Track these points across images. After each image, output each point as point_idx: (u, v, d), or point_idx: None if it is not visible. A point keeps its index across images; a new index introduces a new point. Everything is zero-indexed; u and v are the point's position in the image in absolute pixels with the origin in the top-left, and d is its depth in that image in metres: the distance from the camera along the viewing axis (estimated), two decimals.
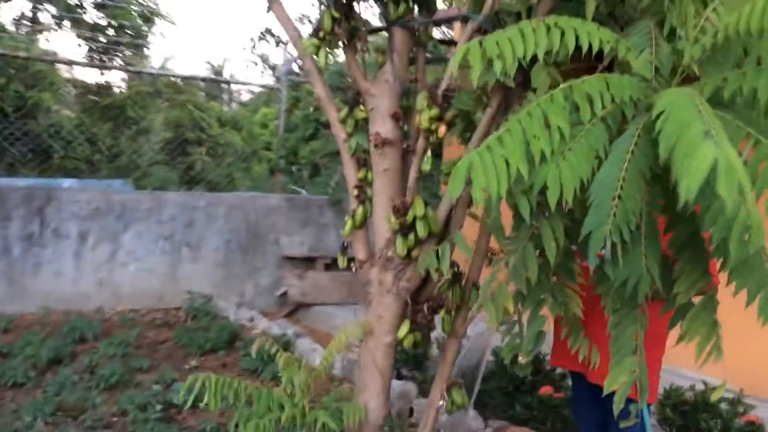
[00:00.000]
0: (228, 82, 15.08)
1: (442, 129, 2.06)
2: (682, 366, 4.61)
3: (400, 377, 5.46)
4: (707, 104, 1.38)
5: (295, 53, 8.30)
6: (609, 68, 2.00)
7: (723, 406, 3.72)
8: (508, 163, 1.50)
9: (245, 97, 21.80)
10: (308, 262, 7.94)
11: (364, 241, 2.34)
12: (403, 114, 2.22)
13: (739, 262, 1.56)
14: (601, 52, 2.09)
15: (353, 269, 2.35)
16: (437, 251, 1.97)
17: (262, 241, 7.72)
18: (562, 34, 1.66)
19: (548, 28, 1.65)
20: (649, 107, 1.68)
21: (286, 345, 6.10)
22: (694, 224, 1.71)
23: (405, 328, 2.23)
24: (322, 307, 7.46)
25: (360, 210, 2.29)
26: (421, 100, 2.08)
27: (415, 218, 2.12)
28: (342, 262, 2.39)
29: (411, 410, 4.93)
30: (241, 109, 18.49)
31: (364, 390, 2.29)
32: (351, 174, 2.32)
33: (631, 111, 1.66)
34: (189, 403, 2.17)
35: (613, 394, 2.87)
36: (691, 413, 3.75)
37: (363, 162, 2.32)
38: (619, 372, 1.60)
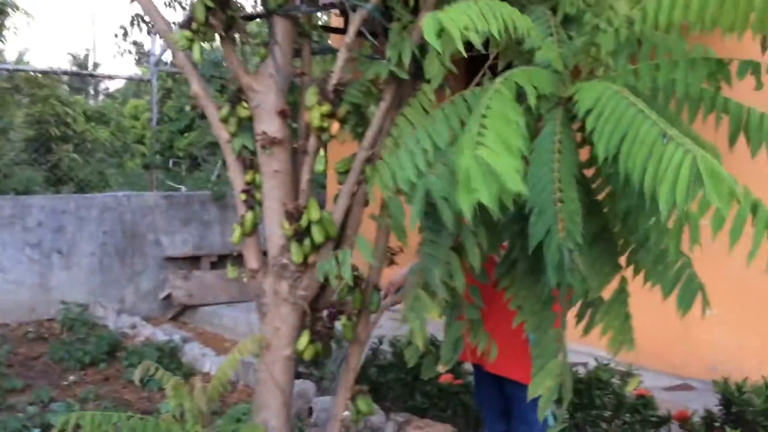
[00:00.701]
0: (91, 75, 14.23)
1: (335, 126, 1.92)
2: (570, 339, 4.72)
3: (297, 375, 5.31)
4: (641, 101, 1.32)
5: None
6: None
7: (615, 380, 3.81)
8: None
9: (114, 88, 20.76)
10: (193, 261, 7.61)
11: (255, 249, 2.17)
12: (291, 111, 2.07)
13: (656, 260, 1.53)
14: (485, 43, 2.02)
15: (245, 279, 2.18)
16: (336, 257, 1.84)
17: (141, 242, 7.33)
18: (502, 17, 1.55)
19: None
20: (560, 101, 1.61)
21: (173, 351, 5.81)
22: (604, 219, 1.67)
23: (305, 339, 2.08)
24: (210, 307, 7.17)
25: (249, 216, 2.12)
26: (310, 96, 1.93)
27: (310, 223, 1.98)
28: (233, 273, 2.21)
29: (310, 410, 4.80)
30: (109, 102, 17.58)
31: (264, 408, 2.14)
32: (237, 177, 2.14)
33: (546, 105, 1.58)
34: None
35: (512, 382, 2.88)
36: (585, 391, 3.81)
37: (249, 164, 2.15)
38: (543, 377, 1.53)
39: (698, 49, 1.65)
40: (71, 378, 5.30)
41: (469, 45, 1.75)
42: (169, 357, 5.69)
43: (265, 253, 2.17)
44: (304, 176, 2.01)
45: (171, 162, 9.74)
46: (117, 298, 7.16)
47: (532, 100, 1.53)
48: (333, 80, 1.92)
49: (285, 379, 2.14)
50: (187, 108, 9.16)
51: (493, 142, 1.33)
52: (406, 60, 1.91)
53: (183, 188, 7.67)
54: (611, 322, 1.65)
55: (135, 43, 15.32)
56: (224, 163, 8.42)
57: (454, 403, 4.34)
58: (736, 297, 4.64)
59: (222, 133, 2.14)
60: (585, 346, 3.77)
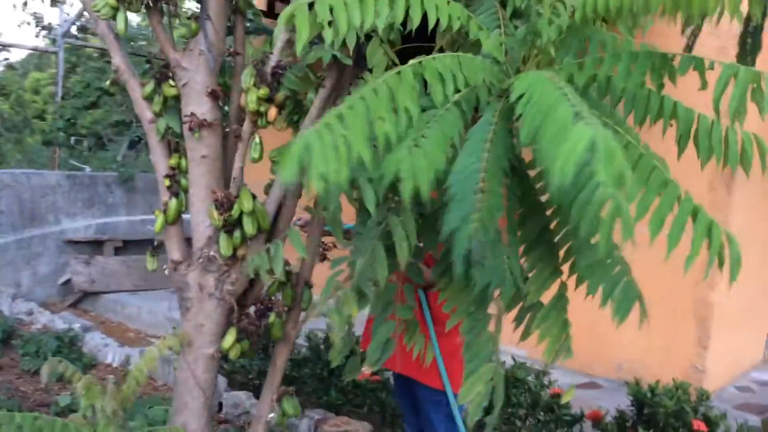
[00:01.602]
0: None
1: (273, 111, 1.79)
2: None
3: None
4: (570, 87, 1.26)
5: (73, 13, 7.44)
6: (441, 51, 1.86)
7: (530, 379, 3.84)
8: (349, 147, 1.28)
9: (14, 59, 19.63)
10: (95, 246, 7.25)
11: (178, 239, 2.01)
12: (222, 92, 1.92)
13: (594, 261, 1.48)
14: (434, 32, 1.94)
15: (166, 272, 2.02)
16: (268, 250, 1.72)
17: (40, 223, 6.92)
18: (407, 5, 1.47)
19: None
20: (503, 93, 1.55)
21: (73, 341, 5.50)
22: (545, 219, 1.61)
23: (231, 337, 1.95)
24: (113, 295, 6.85)
25: (173, 203, 1.96)
26: (246, 77, 1.79)
27: (242, 213, 1.85)
28: (152, 264, 2.05)
29: (220, 405, 4.63)
30: (9, 74, 16.59)
31: (184, 410, 1.99)
32: (161, 161, 1.98)
33: (485, 96, 1.51)
34: None
35: (417, 383, 2.86)
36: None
37: (175, 147, 1.99)
38: (474, 381, 1.46)
39: (643, 47, 1.62)
40: None
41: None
42: (69, 347, 5.38)
43: (189, 243, 2.02)
44: (237, 163, 1.88)
45: (73, 140, 9.23)
46: (12, 281, 6.74)
47: (450, 88, 1.46)
48: (271, 62, 1.79)
49: (207, 378, 2.00)
50: (101, 84, 8.71)
51: (350, 128, 1.26)
52: (351, 45, 1.81)
53: (87, 168, 7.27)
54: (549, 330, 1.60)
55: (35, 14, 14.49)
56: (132, 143, 8.06)
57: (371, 400, 4.28)
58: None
59: (145, 112, 1.97)
60: (502, 345, 3.79)
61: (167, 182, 1.96)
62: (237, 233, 1.89)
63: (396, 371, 3.02)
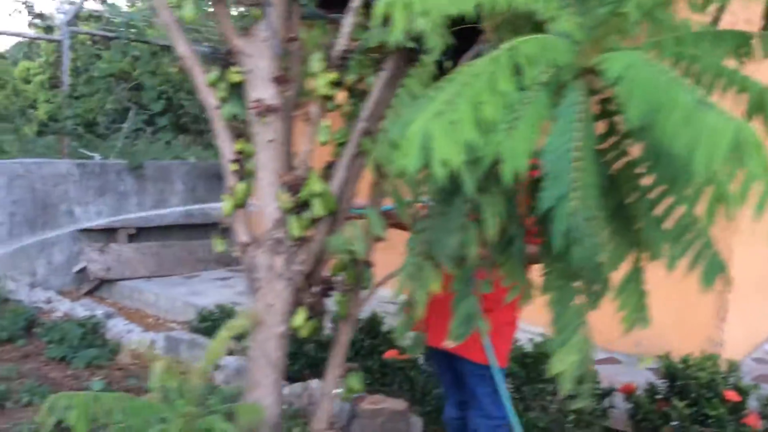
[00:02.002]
0: None
1: (341, 96, 1.83)
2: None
3: (229, 352, 5.18)
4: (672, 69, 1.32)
5: (78, 1, 7.37)
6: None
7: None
8: (462, 131, 1.33)
9: (1, 48, 19.45)
10: (109, 233, 7.27)
11: (245, 222, 2.06)
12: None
13: (678, 236, 1.54)
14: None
15: (234, 253, 2.07)
16: (347, 230, 1.77)
17: (54, 212, 6.93)
18: None
19: None
20: (580, 72, 1.60)
21: (96, 328, 5.55)
22: (620, 195, 1.67)
23: (301, 316, 2.01)
24: (128, 281, 6.89)
25: (241, 187, 2.01)
26: (316, 63, 1.83)
27: (311, 195, 1.90)
28: (220, 247, 2.09)
29: None
30: (2, 64, 16.47)
31: (257, 387, 2.05)
32: (226, 146, 2.02)
33: (568, 76, 1.55)
34: (49, 427, 1.79)
35: (460, 358, 2.92)
36: (533, 365, 3.90)
37: (239, 132, 2.03)
38: (567, 352, 1.52)
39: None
40: None
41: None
42: (92, 333, 5.43)
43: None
44: (305, 147, 1.92)
45: (70, 127, 9.21)
46: (28, 270, 6.76)
47: (539, 70, 1.50)
48: (339, 46, 1.82)
49: (278, 356, 2.06)
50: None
51: (461, 113, 1.31)
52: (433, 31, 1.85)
53: (97, 156, 7.28)
54: (627, 300, 1.67)
55: (26, 2, 14.37)
56: (137, 130, 8.03)
57: (400, 379, 4.35)
58: (654, 274, 4.86)
59: (209, 98, 2.01)
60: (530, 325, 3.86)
61: (234, 167, 2.00)
62: (306, 215, 1.94)
63: (439, 347, 3.08)
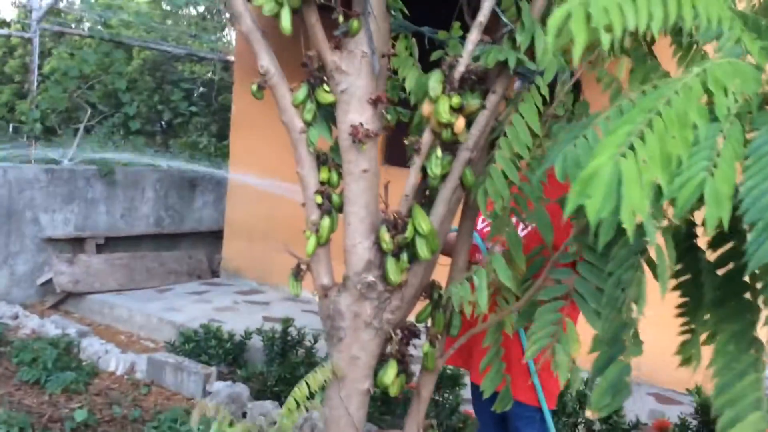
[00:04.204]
0: None
1: (461, 122, 1.60)
2: None
3: (221, 377, 4.87)
4: None
5: None
6: None
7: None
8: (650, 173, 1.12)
9: None
10: (76, 243, 6.85)
11: (327, 262, 1.81)
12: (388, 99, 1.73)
13: None
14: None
15: (316, 297, 1.81)
16: (470, 279, 1.54)
17: (17, 220, 6.49)
18: (679, 4, 1.30)
19: None
20: (764, 102, 1.41)
21: (69, 347, 5.16)
22: None
23: (393, 371, 1.76)
24: (98, 295, 6.48)
25: (326, 222, 1.75)
26: (435, 85, 1.59)
27: (415, 236, 1.66)
28: (296, 290, 1.83)
29: (244, 414, 4.41)
30: None
31: None
32: (310, 175, 1.76)
33: (753, 107, 1.36)
34: None
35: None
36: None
37: (323, 159, 1.78)
38: (741, 430, 1.32)
39: None
40: None
41: None
42: (66, 354, 5.05)
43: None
44: (411, 179, 1.68)
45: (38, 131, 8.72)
46: None
47: (730, 99, 1.31)
48: (460, 67, 1.59)
49: (360, 415, 1.81)
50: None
51: (650, 149, 1.10)
52: (540, 47, 1.64)
53: (65, 161, 6.84)
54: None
55: None
56: (89, 130, 7.60)
57: (401, 410, 4.14)
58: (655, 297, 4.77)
59: (295, 121, 1.75)
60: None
61: (319, 199, 1.75)
62: (404, 257, 1.70)
63: (473, 380, 2.88)
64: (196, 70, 12.29)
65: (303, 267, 1.80)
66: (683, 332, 1.55)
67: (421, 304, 1.92)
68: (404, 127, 1.98)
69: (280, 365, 4.75)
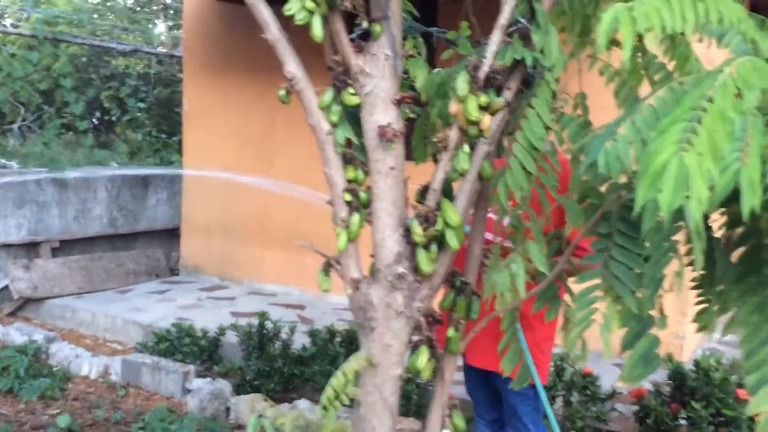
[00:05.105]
0: None
1: (488, 120, 1.70)
2: None
3: (204, 375, 4.88)
4: None
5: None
6: None
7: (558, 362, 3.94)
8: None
9: None
10: (31, 248, 6.71)
11: (357, 257, 1.89)
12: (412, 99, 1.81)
13: None
14: None
15: (348, 291, 1.89)
16: (508, 267, 1.65)
17: None
18: (706, 7, 1.43)
19: None
20: None
21: (37, 353, 5.09)
22: None
23: (424, 356, 1.86)
24: (57, 300, 6.37)
25: (356, 219, 1.83)
26: (462, 84, 1.69)
27: (444, 228, 1.76)
28: (326, 285, 1.90)
29: (227, 410, 4.45)
30: None
31: None
32: (338, 174, 1.84)
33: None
34: None
35: (500, 376, 2.87)
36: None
37: (349, 159, 1.86)
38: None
39: None
40: None
41: None
42: (36, 361, 4.98)
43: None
44: (439, 174, 1.78)
45: None
46: None
47: (755, 95, 1.45)
48: (485, 67, 1.69)
49: (394, 400, 1.91)
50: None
51: (702, 144, 1.24)
52: (554, 46, 1.75)
53: (14, 165, 6.67)
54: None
55: None
56: (58, 134, 7.42)
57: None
58: None
59: (321, 123, 1.82)
60: None
61: (347, 197, 1.83)
62: (433, 248, 1.80)
63: (478, 366, 3.01)
64: (129, 64, 12.04)
65: (333, 263, 1.88)
66: (699, 303, 1.71)
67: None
68: (410, 122, 2.07)
69: (258, 359, 4.80)
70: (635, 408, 3.73)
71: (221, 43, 7.14)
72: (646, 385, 3.76)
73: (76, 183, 7.12)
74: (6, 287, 6.35)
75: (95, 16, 13.22)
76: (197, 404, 4.41)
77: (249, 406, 4.16)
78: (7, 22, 12.45)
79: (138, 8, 16.14)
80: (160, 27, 15.84)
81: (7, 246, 6.52)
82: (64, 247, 6.93)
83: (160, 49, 10.27)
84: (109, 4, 14.17)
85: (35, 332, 5.40)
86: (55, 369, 4.94)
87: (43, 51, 7.39)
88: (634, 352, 1.65)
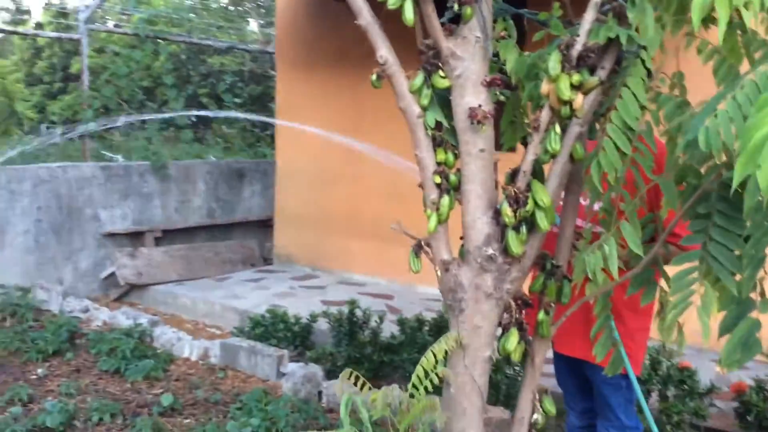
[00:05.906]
0: (14, 32, 12.67)
1: (580, 99, 1.69)
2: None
3: (297, 360, 5.01)
4: None
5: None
6: None
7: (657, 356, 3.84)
8: None
9: None
10: (135, 237, 7.05)
11: (446, 239, 1.91)
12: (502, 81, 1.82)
13: None
14: None
15: (437, 272, 1.91)
16: (601, 247, 1.63)
17: (79, 217, 6.69)
18: None
19: None
20: None
21: (142, 336, 5.35)
22: None
23: (515, 338, 1.87)
24: (161, 286, 6.68)
25: (446, 201, 1.85)
26: (554, 64, 1.68)
27: (535, 209, 1.76)
28: (416, 266, 1.94)
29: (320, 394, 4.55)
30: None
31: (462, 416, 1.91)
32: (428, 157, 1.87)
33: None
34: None
35: (591, 365, 2.82)
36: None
37: (439, 141, 1.88)
38: None
39: None
40: (38, 371, 4.74)
41: None
42: (141, 342, 5.23)
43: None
44: (529, 155, 1.78)
45: (45, 127, 8.93)
46: (55, 278, 6.52)
47: None
48: (578, 45, 1.68)
49: (483, 382, 1.92)
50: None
51: None
52: (650, 24, 1.71)
53: (119, 158, 7.03)
54: None
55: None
56: (160, 130, 7.74)
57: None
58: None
59: (412, 106, 1.85)
60: None
61: (437, 179, 1.85)
62: (523, 230, 1.80)
63: (568, 354, 2.97)
64: (224, 62, 12.44)
65: (424, 244, 1.91)
66: None
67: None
68: (498, 107, 2.06)
69: (348, 345, 4.89)
70: (735, 404, 3.59)
71: (311, 38, 7.29)
72: (747, 380, 3.62)
73: (177, 175, 7.43)
74: (113, 274, 6.70)
75: (192, 15, 13.73)
76: (291, 387, 4.53)
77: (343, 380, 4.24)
78: (110, 24, 13.11)
79: (232, 7, 16.64)
80: (253, 25, 16.29)
81: (113, 235, 6.88)
82: (166, 236, 7.25)
83: (253, 47, 10.55)
84: (204, 2, 14.67)
85: (140, 316, 5.68)
86: (158, 351, 5.18)
87: (145, 49, 7.77)
88: (732, 337, 1.60)
